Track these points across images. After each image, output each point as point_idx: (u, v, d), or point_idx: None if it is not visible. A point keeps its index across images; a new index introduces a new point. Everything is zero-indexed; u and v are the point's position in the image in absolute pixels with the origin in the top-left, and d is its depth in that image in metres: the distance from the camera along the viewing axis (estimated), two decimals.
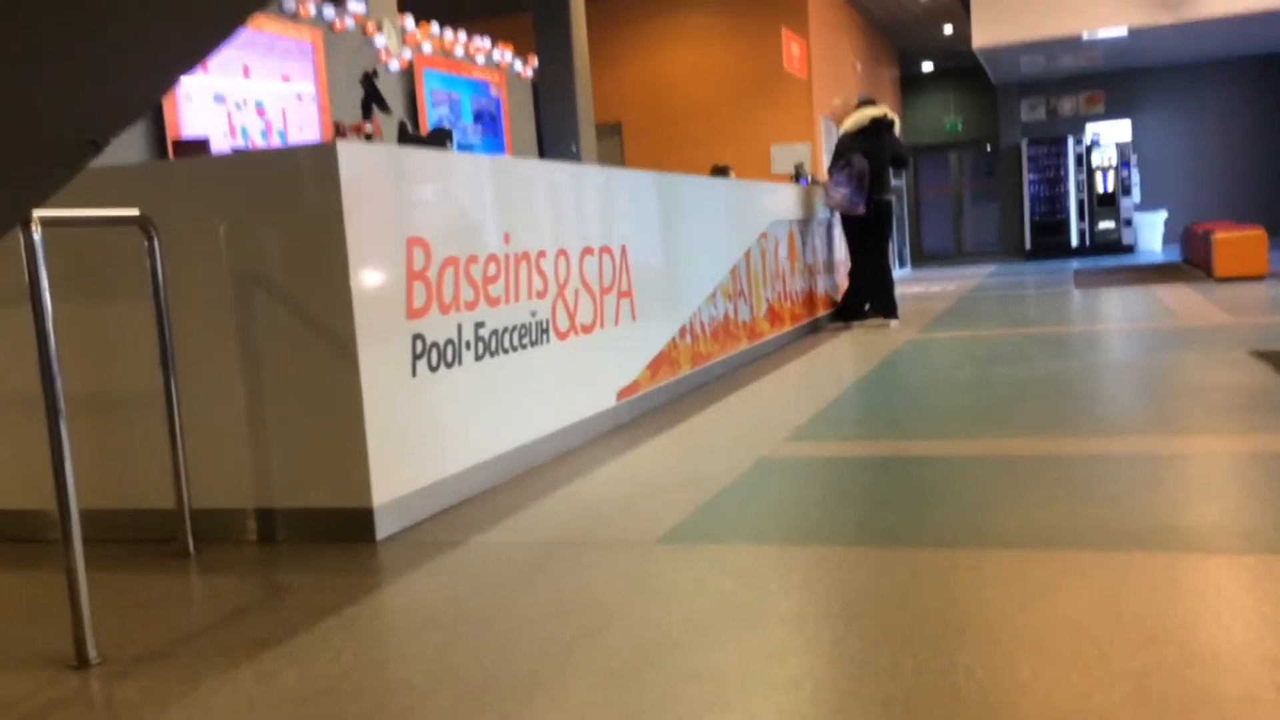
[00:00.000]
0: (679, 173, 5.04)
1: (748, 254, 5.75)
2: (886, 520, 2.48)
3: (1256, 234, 8.53)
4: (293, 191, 2.60)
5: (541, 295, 3.44)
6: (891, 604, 1.91)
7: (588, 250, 3.81)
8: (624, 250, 4.11)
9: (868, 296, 7.28)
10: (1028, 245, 15.03)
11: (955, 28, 13.78)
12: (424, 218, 2.89)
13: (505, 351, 3.21)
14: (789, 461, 3.25)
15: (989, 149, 16.53)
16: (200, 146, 3.59)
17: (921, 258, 16.40)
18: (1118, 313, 7.03)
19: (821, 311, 7.44)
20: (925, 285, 11.08)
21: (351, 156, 2.59)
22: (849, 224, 7.17)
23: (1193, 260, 10.25)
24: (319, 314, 2.60)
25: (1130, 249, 14.56)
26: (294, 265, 2.62)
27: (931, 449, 3.28)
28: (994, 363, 5.06)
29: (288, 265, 2.63)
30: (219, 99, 5.29)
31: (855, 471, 3.06)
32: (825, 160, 10.32)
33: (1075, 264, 12.96)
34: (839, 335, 6.86)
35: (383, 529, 2.61)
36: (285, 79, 5.71)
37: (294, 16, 5.75)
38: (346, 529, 2.61)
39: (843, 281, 7.99)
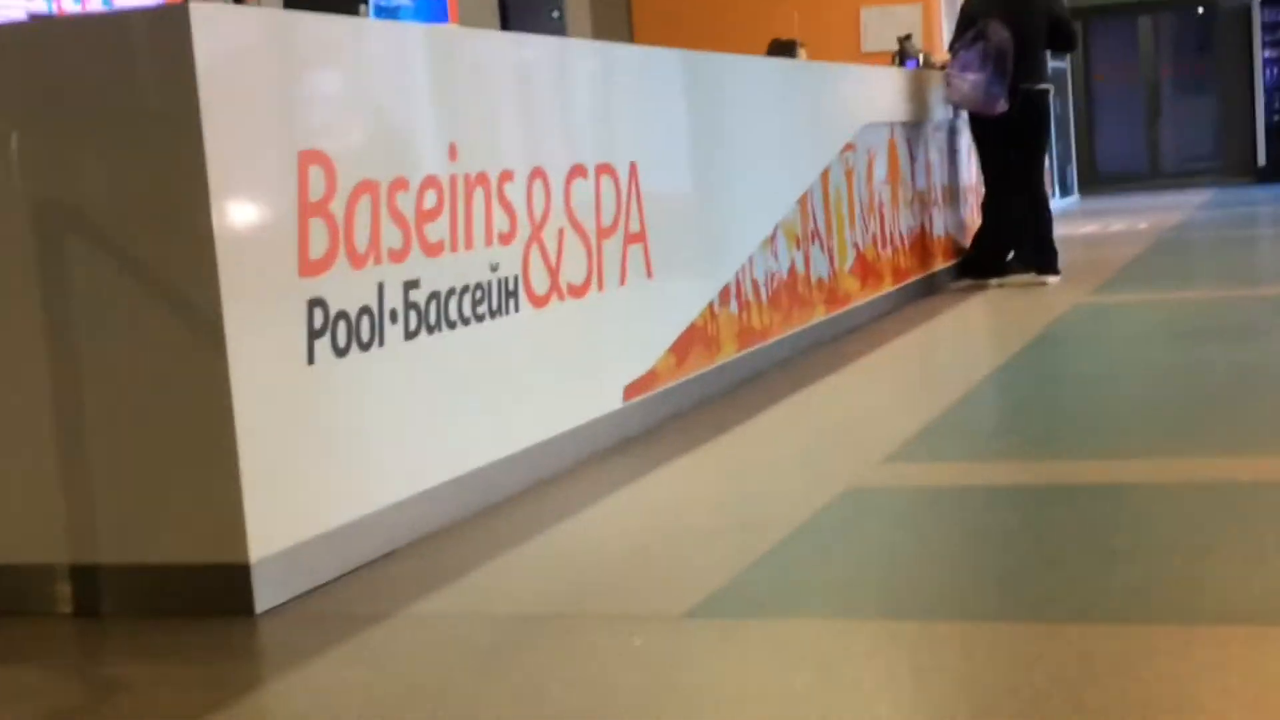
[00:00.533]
0: (717, 52, 5.01)
1: (825, 176, 5.73)
2: (1044, 581, 2.48)
3: None
4: (121, 81, 2.59)
5: (506, 240, 3.44)
6: (1054, 708, 1.91)
7: (577, 171, 3.81)
8: (633, 171, 4.11)
9: (1012, 240, 7.26)
10: (1261, 160, 14.93)
11: None
12: (325, 121, 2.88)
13: (451, 326, 3.20)
14: (890, 493, 3.24)
15: (1201, 11, 16.42)
16: None
17: (1096, 180, 16.33)
18: None
19: (941, 263, 7.42)
20: (1101, 222, 11.04)
21: (212, 26, 2.59)
22: (983, 129, 7.15)
23: None
24: (165, 271, 2.60)
25: None
26: (125, 196, 2.61)
27: (1112, 472, 3.28)
28: (1207, 340, 5.05)
29: (115, 196, 2.62)
30: None
31: (993, 507, 3.06)
32: (946, 32, 10.26)
33: None
34: (968, 298, 6.84)
35: (265, 596, 2.62)
36: None
37: None
38: (210, 596, 2.61)
39: (974, 217, 7.96)
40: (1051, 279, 7.08)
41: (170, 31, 2.55)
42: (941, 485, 3.31)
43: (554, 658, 2.27)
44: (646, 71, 4.36)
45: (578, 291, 3.78)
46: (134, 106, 2.59)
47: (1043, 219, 7.13)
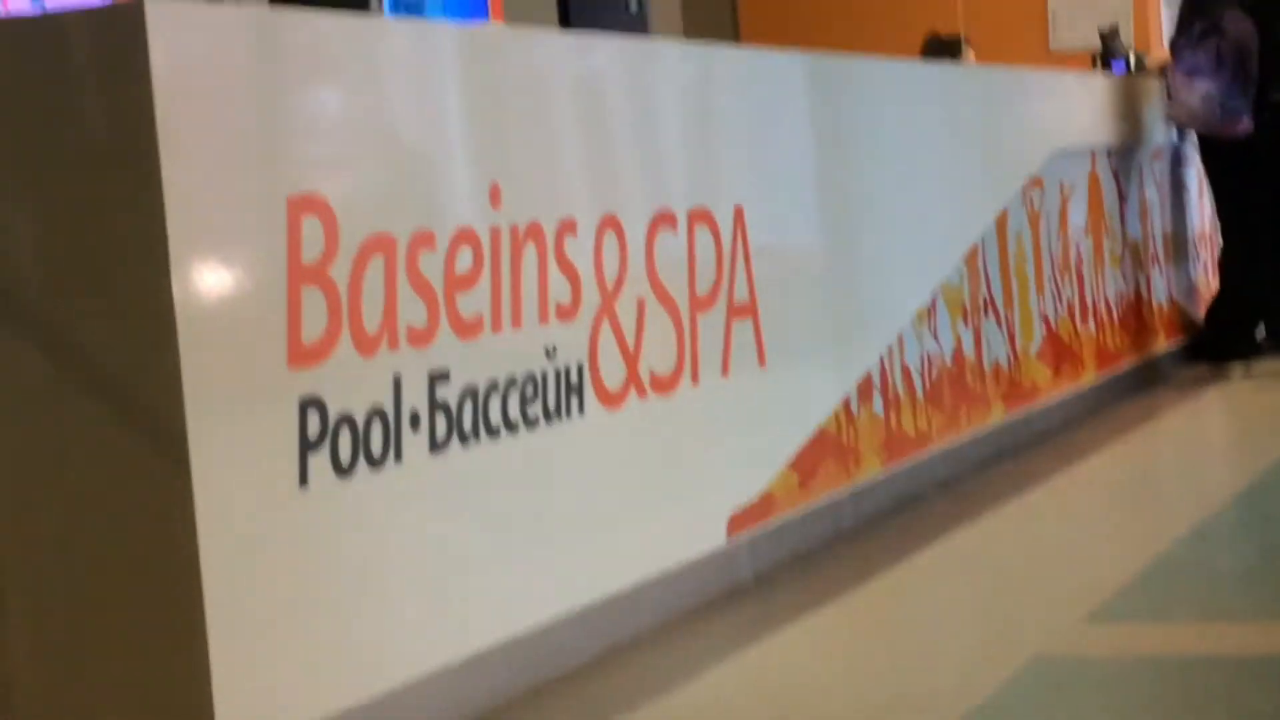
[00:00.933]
0: (852, 53, 5.02)
1: (1002, 223, 5.74)
2: None
3: None
4: (54, 105, 2.62)
5: (567, 314, 3.46)
6: None
7: (664, 219, 3.83)
8: (739, 218, 4.12)
9: (1261, 311, 7.23)
10: None
11: None
12: (323, 156, 2.91)
13: (493, 434, 3.21)
14: (1095, 665, 3.21)
15: None
16: None
17: None
18: None
19: (1163, 342, 7.38)
20: None
21: (174, 31, 2.61)
22: (1220, 156, 7.15)
23: None
24: (108, 360, 2.62)
25: None
26: (57, 258, 2.64)
27: None
28: None
29: (43, 258, 2.65)
30: None
31: (1242, 686, 3.01)
32: (1166, 24, 10.24)
33: None
34: (1201, 392, 6.81)
35: None
36: None
37: None
38: None
39: (1210, 279, 7.91)
40: None
41: (119, 39, 2.57)
42: (1167, 654, 3.28)
43: None
44: (757, 82, 4.38)
45: (664, 385, 3.77)
46: (70, 139, 2.61)
47: None
